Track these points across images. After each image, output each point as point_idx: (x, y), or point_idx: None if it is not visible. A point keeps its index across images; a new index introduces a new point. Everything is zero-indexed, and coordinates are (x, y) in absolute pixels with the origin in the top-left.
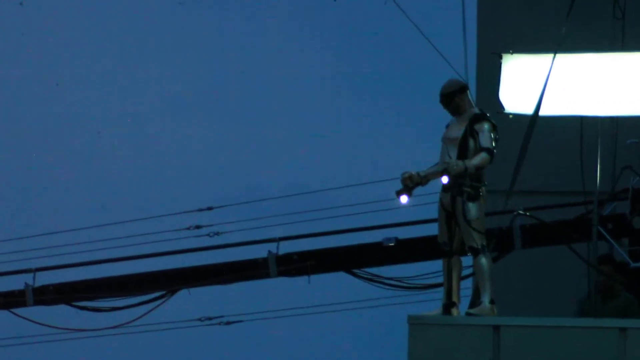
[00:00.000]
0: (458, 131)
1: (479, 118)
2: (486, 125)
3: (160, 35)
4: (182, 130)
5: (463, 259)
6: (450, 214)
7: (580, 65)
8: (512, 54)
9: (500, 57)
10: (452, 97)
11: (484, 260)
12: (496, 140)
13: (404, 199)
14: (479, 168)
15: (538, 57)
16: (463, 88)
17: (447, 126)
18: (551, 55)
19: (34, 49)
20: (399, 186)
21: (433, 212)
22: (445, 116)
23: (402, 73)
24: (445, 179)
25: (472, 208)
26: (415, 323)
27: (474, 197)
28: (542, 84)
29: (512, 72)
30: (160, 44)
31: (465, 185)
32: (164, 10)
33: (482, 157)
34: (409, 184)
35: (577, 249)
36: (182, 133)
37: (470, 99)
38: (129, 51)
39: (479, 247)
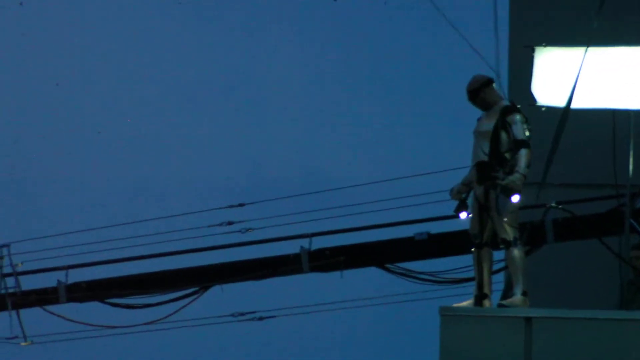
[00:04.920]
0: (489, 124)
1: (510, 110)
2: (518, 117)
3: (160, 35)
4: (206, 127)
5: (494, 252)
6: (482, 206)
7: (612, 58)
8: (544, 46)
9: (533, 50)
10: (477, 92)
11: (516, 253)
12: (529, 131)
13: (463, 215)
14: (528, 166)
15: (570, 50)
16: (488, 82)
17: (479, 119)
18: (583, 48)
19: (34, 49)
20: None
21: None
22: (473, 109)
23: (431, 70)
24: (516, 198)
25: (506, 201)
26: (447, 315)
27: (507, 190)
28: (575, 77)
29: (544, 64)
30: (160, 44)
31: (499, 178)
32: (164, 10)
33: (524, 155)
34: (461, 197)
35: (610, 242)
36: (208, 130)
37: (498, 92)
38: (128, 51)
39: (511, 239)
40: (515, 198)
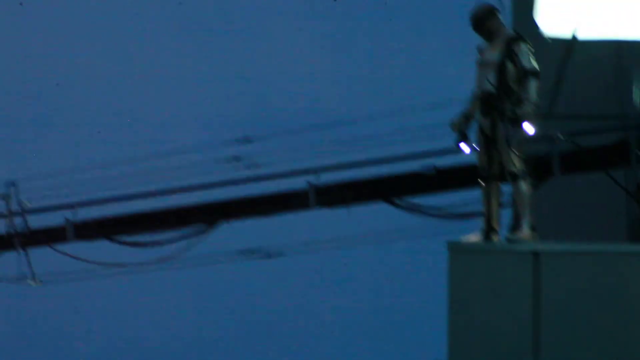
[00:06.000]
0: (493, 55)
1: (516, 39)
2: (524, 47)
3: (160, 35)
4: (216, 65)
5: (503, 186)
6: (489, 139)
7: None
8: None
9: None
10: (483, 21)
11: (523, 186)
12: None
13: (465, 148)
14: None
15: None
16: (492, 11)
17: (480, 50)
18: None
19: (34, 49)
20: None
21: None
22: (475, 39)
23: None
24: (531, 129)
25: (517, 132)
26: (455, 249)
27: (516, 122)
28: (580, 6)
29: None
30: (160, 44)
31: (506, 109)
32: (164, 10)
33: (534, 84)
34: (462, 130)
35: (617, 175)
36: (217, 68)
37: (502, 21)
38: (128, 51)
39: (519, 172)
40: (529, 128)
